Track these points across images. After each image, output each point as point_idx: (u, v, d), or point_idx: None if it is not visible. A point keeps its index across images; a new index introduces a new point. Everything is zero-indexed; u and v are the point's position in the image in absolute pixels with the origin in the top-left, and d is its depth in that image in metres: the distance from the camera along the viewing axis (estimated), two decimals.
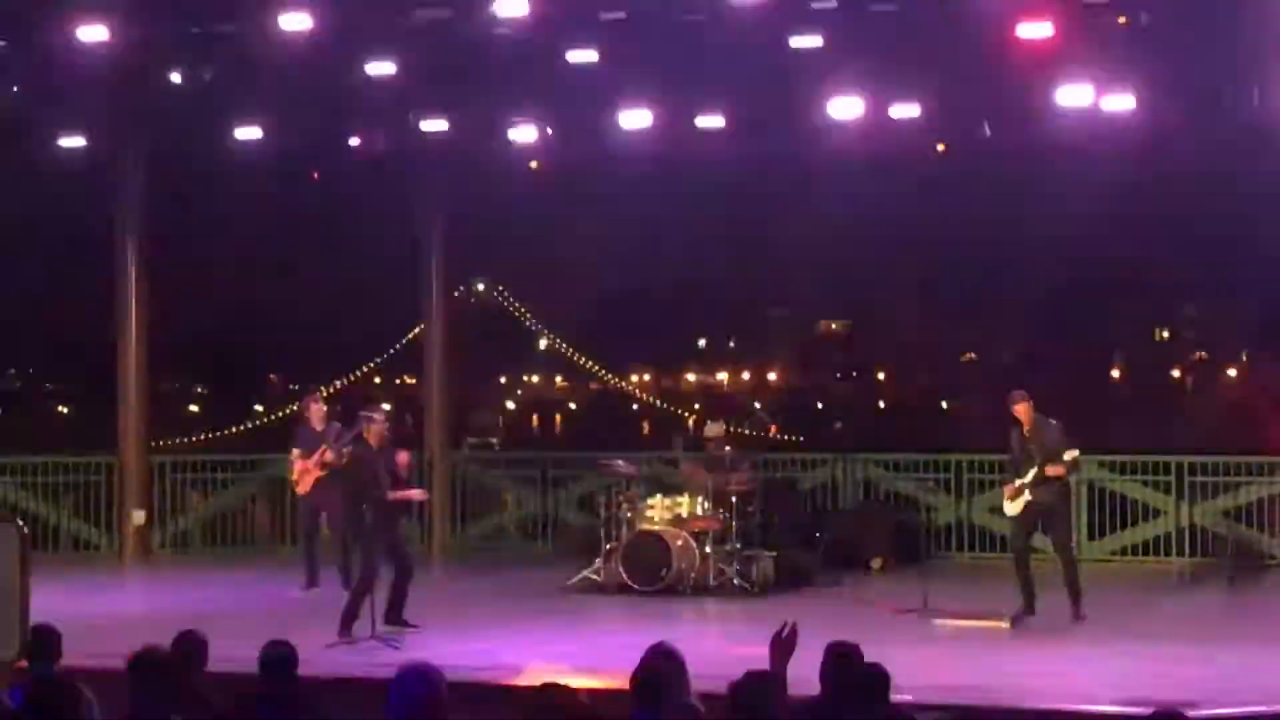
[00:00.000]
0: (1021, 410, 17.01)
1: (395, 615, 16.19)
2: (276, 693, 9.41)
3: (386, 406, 16.52)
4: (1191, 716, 11.36)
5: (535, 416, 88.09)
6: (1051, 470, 16.82)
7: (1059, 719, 12.27)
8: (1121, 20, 18.01)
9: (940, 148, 21.14)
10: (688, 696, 9.34)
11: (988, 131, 19.96)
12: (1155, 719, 7.73)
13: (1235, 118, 18.75)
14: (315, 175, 22.60)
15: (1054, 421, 17.06)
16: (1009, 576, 19.19)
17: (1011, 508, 17.14)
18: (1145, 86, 19.31)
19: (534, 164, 22.79)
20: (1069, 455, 17.09)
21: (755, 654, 9.00)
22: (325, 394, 20.33)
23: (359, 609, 15.73)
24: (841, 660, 9.26)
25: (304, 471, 19.27)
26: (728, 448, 19.89)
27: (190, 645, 9.99)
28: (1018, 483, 16.93)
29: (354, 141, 21.46)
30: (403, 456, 17.22)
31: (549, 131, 21.33)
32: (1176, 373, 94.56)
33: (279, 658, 9.75)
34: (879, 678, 8.93)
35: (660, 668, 9.05)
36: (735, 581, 18.82)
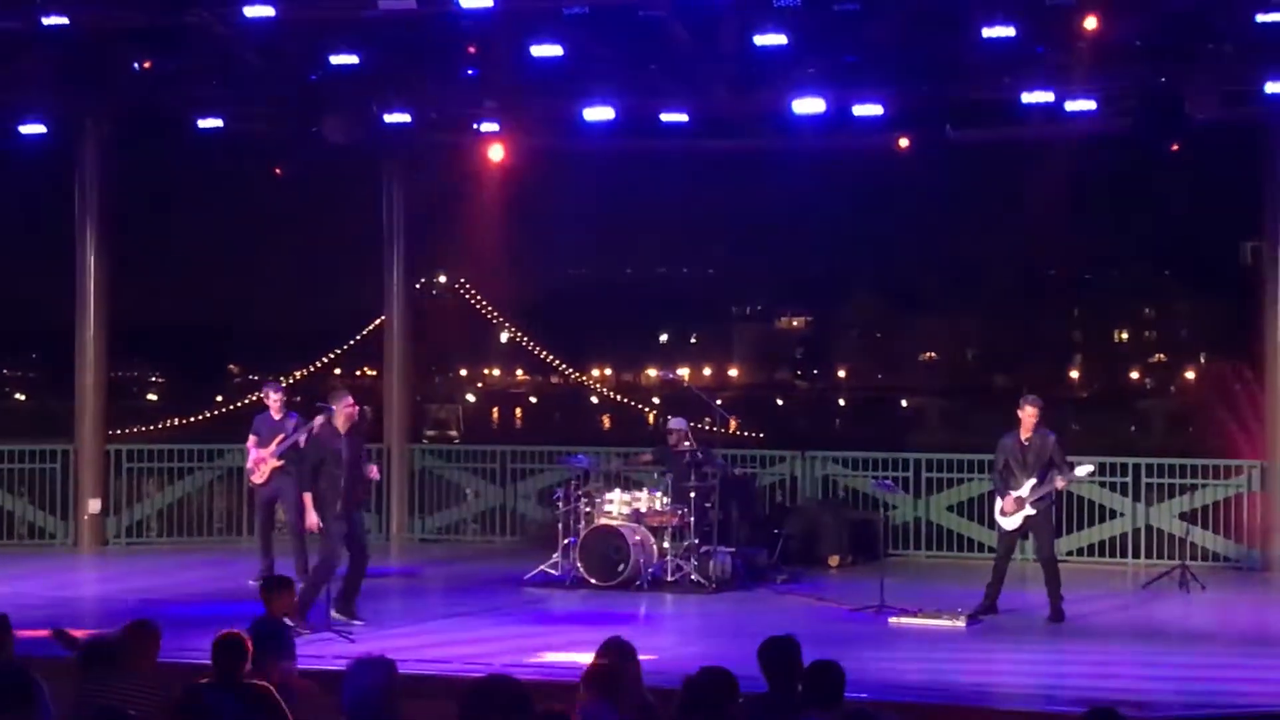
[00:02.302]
0: (1029, 415, 17.05)
1: (347, 605, 16.15)
2: (227, 682, 9.40)
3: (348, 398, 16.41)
4: (1141, 717, 11.43)
5: (495, 410, 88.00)
6: (1061, 483, 16.95)
7: (1013, 719, 12.30)
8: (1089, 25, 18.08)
9: (903, 144, 21.14)
10: (642, 691, 9.35)
11: (950, 131, 19.99)
12: (1091, 716, 7.75)
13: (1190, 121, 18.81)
14: (278, 166, 22.48)
15: (1051, 435, 17.12)
16: (966, 574, 19.29)
17: (1009, 522, 17.16)
18: (1107, 89, 19.43)
19: (497, 157, 22.74)
20: (1084, 470, 17.18)
21: (711, 650, 9.02)
22: (285, 383, 20.22)
23: (316, 596, 15.71)
24: (778, 652, 9.27)
25: (260, 461, 19.21)
26: (687, 443, 19.86)
27: (142, 635, 9.98)
28: (1016, 495, 16.96)
29: (317, 132, 21.37)
30: (372, 470, 17.24)
31: (512, 125, 21.30)
32: (1135, 374, 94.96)
33: (230, 648, 9.74)
34: (834, 675, 8.94)
35: (614, 663, 9.05)
36: (693, 577, 18.81)
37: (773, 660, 9.26)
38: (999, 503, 17.26)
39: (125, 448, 23.96)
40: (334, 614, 15.82)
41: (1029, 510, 16.96)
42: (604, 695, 8.70)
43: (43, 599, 17.53)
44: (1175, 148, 19.37)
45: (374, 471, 17.44)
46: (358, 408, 16.52)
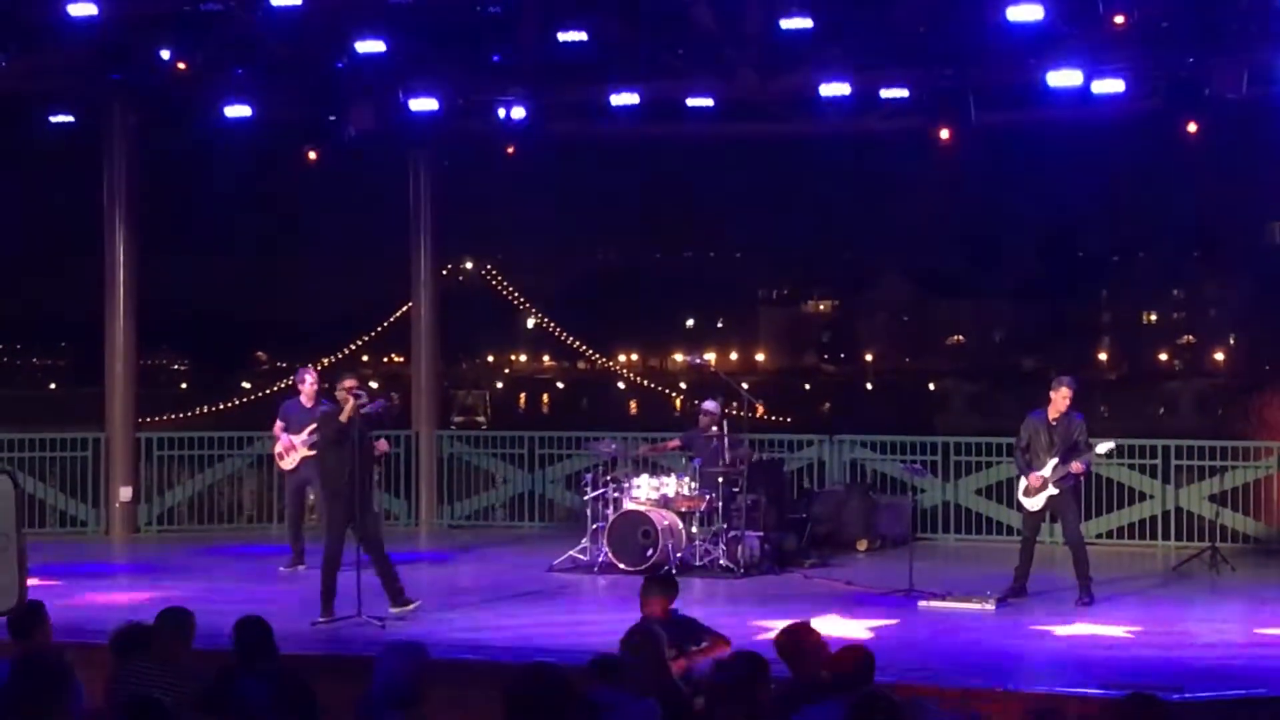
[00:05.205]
0: (1061, 397, 17.00)
1: (398, 595, 15.91)
2: (255, 668, 9.42)
3: (349, 383, 16.05)
4: (1174, 701, 11.42)
5: (522, 395, 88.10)
6: (1079, 467, 16.88)
7: (1042, 701, 12.29)
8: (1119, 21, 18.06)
9: (944, 135, 21.11)
10: (666, 675, 9.38)
11: (973, 114, 19.98)
12: (1131, 701, 7.75)
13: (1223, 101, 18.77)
14: (305, 154, 22.54)
15: (1079, 417, 17.10)
16: (995, 558, 19.26)
17: (1033, 502, 17.12)
18: (1135, 69, 19.39)
19: (519, 145, 22.79)
20: (1104, 447, 17.16)
21: (742, 634, 9.04)
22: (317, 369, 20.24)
23: (333, 585, 15.62)
24: (792, 640, 9.31)
25: (290, 448, 19.23)
26: (715, 428, 19.85)
27: (176, 623, 10.01)
28: (1039, 475, 16.91)
29: (344, 119, 21.42)
30: (382, 445, 17.11)
31: (539, 110, 21.33)
32: (1164, 356, 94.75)
33: (250, 633, 9.75)
34: (862, 659, 8.96)
35: (624, 648, 9.10)
36: (721, 562, 18.83)
37: (787, 647, 9.31)
38: (1022, 483, 17.23)
39: (155, 435, 24.06)
40: (391, 609, 15.68)
41: (1052, 490, 16.93)
42: (606, 680, 8.76)
43: (76, 587, 17.60)
44: (1195, 128, 19.28)
45: (384, 445, 17.25)
46: (350, 396, 15.98)
